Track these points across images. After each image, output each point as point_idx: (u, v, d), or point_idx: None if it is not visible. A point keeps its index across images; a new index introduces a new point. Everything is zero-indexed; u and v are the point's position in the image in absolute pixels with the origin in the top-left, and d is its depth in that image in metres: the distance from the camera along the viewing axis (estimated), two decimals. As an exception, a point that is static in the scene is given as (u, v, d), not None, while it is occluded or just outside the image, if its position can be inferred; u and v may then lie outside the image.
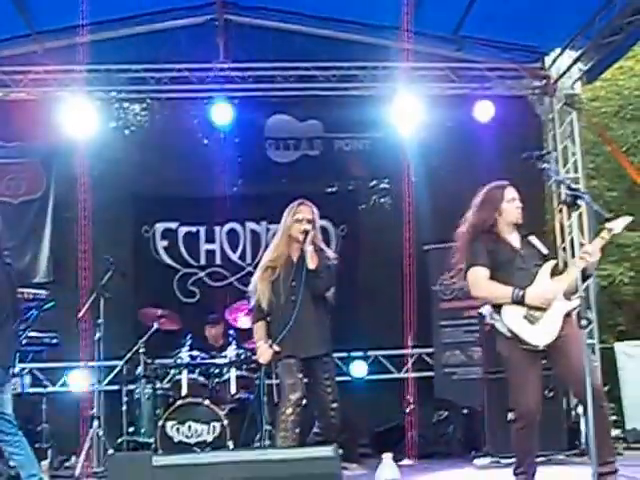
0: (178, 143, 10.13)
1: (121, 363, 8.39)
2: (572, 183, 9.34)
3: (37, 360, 8.75)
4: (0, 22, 8.87)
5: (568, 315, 5.18)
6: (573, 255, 9.52)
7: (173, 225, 10.16)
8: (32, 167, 10.03)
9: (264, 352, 6.19)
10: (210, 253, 10.21)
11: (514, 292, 5.12)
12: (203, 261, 10.21)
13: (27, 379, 8.32)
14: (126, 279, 8.78)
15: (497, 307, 5.22)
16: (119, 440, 7.91)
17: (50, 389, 8.92)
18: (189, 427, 7.54)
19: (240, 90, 9.71)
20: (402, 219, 9.43)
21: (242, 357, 8.03)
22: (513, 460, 5.40)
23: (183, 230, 10.17)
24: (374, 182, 10.69)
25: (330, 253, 6.43)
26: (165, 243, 10.14)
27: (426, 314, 9.79)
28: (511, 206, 5.38)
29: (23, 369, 8.22)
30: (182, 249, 10.16)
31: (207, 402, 7.62)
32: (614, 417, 8.77)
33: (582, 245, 9.52)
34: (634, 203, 12.53)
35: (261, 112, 10.20)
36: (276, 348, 6.11)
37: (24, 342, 7.42)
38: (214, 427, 7.54)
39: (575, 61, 9.40)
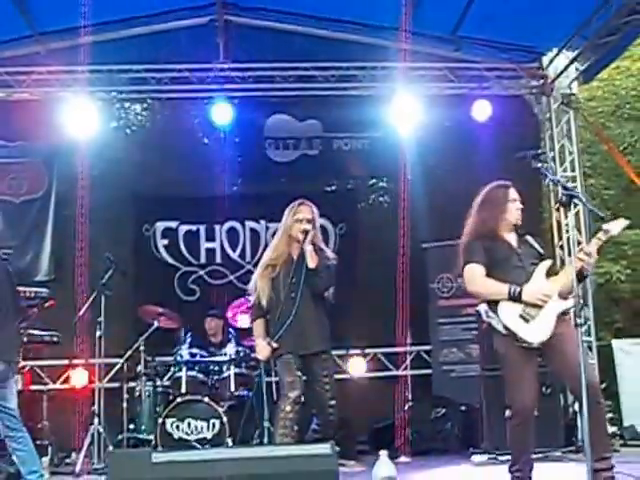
0: (178, 143, 10.19)
1: (121, 361, 8.44)
2: (567, 182, 9.54)
3: (38, 357, 8.83)
4: (3, 24, 8.92)
5: (563, 314, 5.22)
6: (570, 253, 9.55)
7: (173, 224, 10.23)
8: (34, 167, 10.10)
9: (262, 349, 6.25)
10: (210, 252, 10.28)
11: (511, 289, 5.15)
12: (203, 259, 10.28)
13: (28, 376, 8.38)
14: (127, 277, 8.83)
15: (493, 305, 5.24)
16: (119, 437, 7.96)
17: (51, 386, 8.98)
18: (189, 424, 7.59)
19: (240, 90, 9.74)
20: (400, 218, 9.48)
21: (241, 355, 8.09)
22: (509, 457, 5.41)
23: (183, 229, 10.24)
24: (373, 181, 10.75)
25: (330, 253, 6.48)
26: (165, 242, 10.21)
27: (424, 312, 9.88)
28: (513, 207, 5.42)
29: (24, 366, 8.30)
30: (182, 248, 10.23)
31: (206, 399, 7.68)
32: (611, 414, 8.84)
33: (579, 243, 9.56)
34: (631, 201, 12.56)
35: (261, 112, 10.25)
36: (274, 345, 6.17)
37: (25, 340, 7.49)
38: (213, 424, 7.60)
39: (572, 61, 9.42)
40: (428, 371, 10.01)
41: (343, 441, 8.35)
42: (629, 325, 12.28)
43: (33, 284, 8.80)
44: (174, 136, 10.24)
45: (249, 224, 10.32)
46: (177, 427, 7.60)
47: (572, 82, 9.75)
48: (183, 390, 7.88)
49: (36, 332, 7.91)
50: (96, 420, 7.85)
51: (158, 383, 8.16)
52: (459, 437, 9.04)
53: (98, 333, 7.93)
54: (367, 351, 10.04)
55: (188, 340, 8.24)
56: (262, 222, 10.26)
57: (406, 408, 9.18)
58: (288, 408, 6.03)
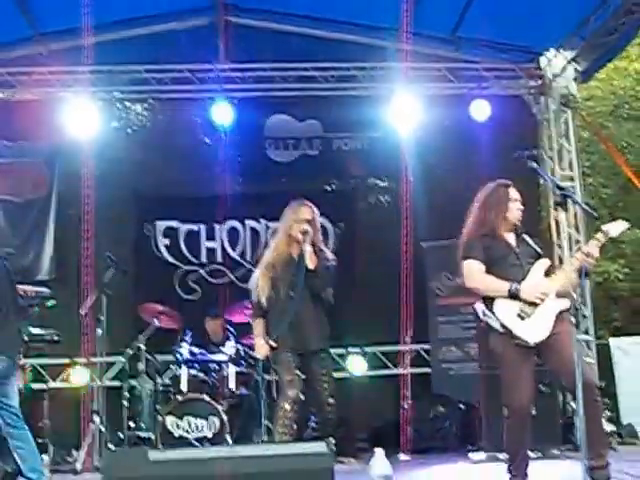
0: (179, 143, 10.23)
1: (122, 359, 8.47)
2: (561, 182, 9.59)
3: (39, 356, 8.87)
4: (5, 24, 8.99)
5: (560, 313, 5.22)
6: (570, 250, 9.60)
7: (174, 223, 10.27)
8: (35, 166, 10.14)
9: (261, 347, 6.29)
10: (211, 251, 10.32)
11: (512, 286, 5.18)
12: (204, 258, 10.31)
13: (29, 374, 8.41)
14: (127, 276, 8.84)
15: (489, 303, 5.26)
16: (120, 435, 7.96)
17: (52, 385, 8.98)
18: (189, 422, 7.60)
19: (240, 90, 9.81)
20: (400, 217, 9.51)
21: (241, 353, 8.13)
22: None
23: (184, 228, 10.28)
24: (372, 181, 10.76)
25: (329, 254, 6.50)
26: (166, 241, 10.24)
27: (423, 310, 9.86)
28: (513, 206, 5.44)
29: (25, 364, 8.34)
30: (183, 247, 10.26)
31: (206, 398, 7.69)
32: (609, 413, 8.87)
33: (577, 242, 9.63)
34: (629, 200, 12.61)
35: (261, 112, 10.27)
36: (272, 344, 6.21)
37: (26, 338, 7.52)
38: (213, 422, 7.60)
39: (570, 61, 9.50)
40: (427, 369, 10.01)
41: (343, 439, 8.42)
42: (627, 324, 12.33)
43: (34, 283, 8.84)
44: (175, 136, 10.28)
45: (249, 223, 10.35)
46: (177, 425, 7.60)
47: (570, 82, 9.81)
48: (183, 388, 7.88)
49: (36, 331, 7.94)
50: (97, 418, 7.88)
51: (158, 381, 8.16)
52: (458, 435, 9.07)
53: (99, 332, 7.94)
54: (366, 349, 10.05)
55: (188, 339, 8.26)
56: (262, 221, 10.29)
57: (405, 406, 9.20)
58: (287, 407, 6.07)
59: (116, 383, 8.74)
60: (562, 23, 8.91)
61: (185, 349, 8.15)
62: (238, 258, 10.30)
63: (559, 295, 5.23)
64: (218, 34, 9.90)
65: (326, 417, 6.35)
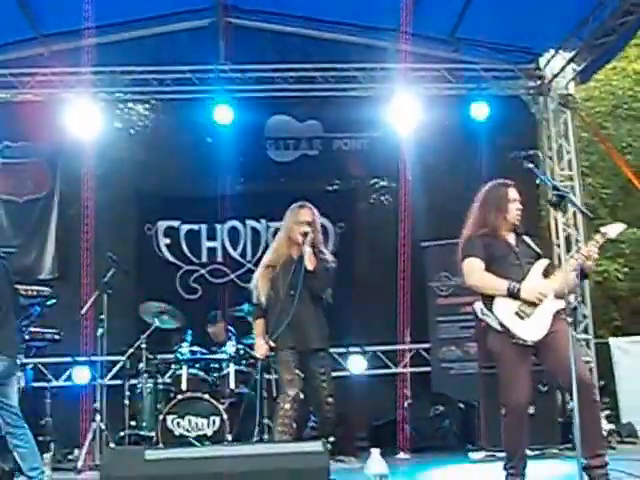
0: (180, 143, 10.25)
1: (123, 358, 8.51)
2: (558, 183, 9.60)
3: (41, 355, 8.92)
4: (7, 26, 9.06)
5: (558, 313, 5.24)
6: (568, 251, 9.63)
7: (175, 223, 10.30)
8: (37, 166, 10.18)
9: (260, 347, 6.36)
10: (211, 250, 10.35)
11: (511, 285, 5.20)
12: (205, 258, 10.34)
13: (31, 373, 8.46)
14: (129, 276, 8.85)
15: (488, 302, 5.29)
16: (121, 434, 8.01)
17: (54, 383, 9.04)
18: (189, 421, 7.64)
19: (241, 91, 9.81)
20: (400, 217, 9.55)
21: (241, 352, 8.16)
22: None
23: (185, 228, 10.31)
24: (372, 181, 10.77)
25: (329, 256, 6.55)
26: (167, 241, 10.27)
27: (423, 310, 9.91)
28: (513, 207, 5.45)
29: (27, 364, 8.39)
30: (184, 247, 10.29)
31: (207, 396, 7.73)
32: (608, 411, 8.90)
33: (577, 242, 9.65)
34: (629, 200, 12.62)
35: (261, 112, 10.28)
36: (272, 344, 6.26)
37: (27, 338, 7.57)
38: (214, 421, 7.65)
39: (569, 62, 9.52)
40: (427, 369, 10.04)
41: (343, 438, 8.49)
42: (627, 323, 12.35)
43: (37, 282, 8.89)
44: (176, 136, 10.31)
45: (250, 223, 10.38)
46: (178, 424, 7.65)
47: (569, 82, 9.85)
48: (184, 387, 7.92)
49: (37, 330, 7.99)
50: (98, 417, 7.90)
51: (159, 380, 8.22)
52: (457, 434, 9.10)
53: (100, 331, 7.99)
54: (367, 349, 10.09)
55: (189, 338, 8.31)
56: (263, 221, 10.33)
57: (405, 405, 9.24)
58: (287, 406, 6.11)
59: (117, 382, 8.76)
60: (561, 24, 8.91)
61: (186, 348, 8.20)
62: (239, 258, 10.32)
63: (557, 296, 5.23)
64: (219, 35, 9.93)
65: (325, 416, 6.39)
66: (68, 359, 9.40)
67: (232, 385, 8.02)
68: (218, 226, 10.37)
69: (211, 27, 9.95)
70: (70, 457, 8.39)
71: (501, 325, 5.23)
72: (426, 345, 10.11)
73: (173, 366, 8.28)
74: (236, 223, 10.39)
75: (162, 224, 10.30)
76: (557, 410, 8.25)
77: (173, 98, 10.07)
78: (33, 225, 10.15)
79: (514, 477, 5.27)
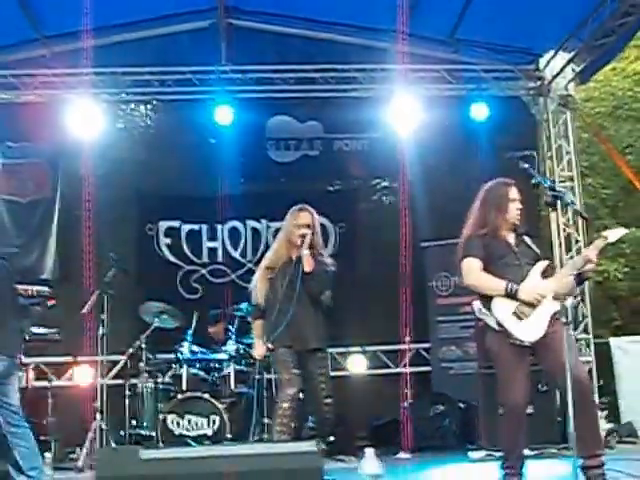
0: (181, 143, 10.26)
1: (124, 358, 8.54)
2: (561, 183, 9.64)
3: (43, 355, 8.96)
4: (10, 27, 9.08)
5: (556, 314, 5.24)
6: (568, 251, 9.65)
7: (176, 223, 10.33)
8: (39, 167, 10.21)
9: (258, 348, 6.40)
10: (212, 250, 10.38)
11: (508, 285, 5.20)
12: (205, 258, 10.37)
13: (32, 373, 8.48)
14: (130, 276, 8.94)
15: (486, 301, 5.30)
16: (121, 433, 8.05)
17: (55, 383, 9.04)
18: (189, 421, 7.69)
19: (242, 92, 9.84)
20: (400, 217, 9.57)
21: (241, 352, 8.18)
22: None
23: (186, 228, 10.34)
24: (373, 181, 10.79)
25: (328, 260, 6.57)
26: (168, 241, 10.30)
27: (423, 310, 9.93)
28: (513, 206, 5.45)
29: (29, 363, 8.42)
30: (185, 247, 10.32)
31: (207, 396, 7.77)
32: (608, 412, 8.93)
33: (577, 242, 9.68)
34: (630, 200, 12.63)
35: (262, 113, 10.31)
36: (270, 346, 6.29)
37: (27, 338, 7.59)
38: (214, 421, 7.69)
39: (568, 62, 9.53)
40: (427, 368, 10.07)
41: (343, 437, 8.52)
42: (627, 323, 12.37)
43: (39, 282, 8.89)
44: (177, 137, 10.32)
45: (250, 223, 10.41)
46: (178, 423, 7.69)
47: (569, 83, 9.85)
48: (184, 387, 7.96)
49: (37, 330, 8.02)
50: (98, 416, 7.93)
51: (159, 380, 8.22)
52: (457, 434, 9.08)
53: (101, 331, 8.02)
54: (367, 348, 10.13)
55: (189, 338, 8.34)
56: (263, 221, 10.35)
57: (405, 405, 9.26)
58: (286, 405, 6.12)
59: (118, 382, 8.76)
60: (560, 25, 8.93)
61: (186, 348, 8.23)
62: (239, 258, 10.35)
63: (556, 297, 5.25)
64: (220, 36, 9.94)
65: (323, 417, 6.39)
66: (69, 359, 9.43)
67: (232, 385, 8.05)
68: (219, 226, 10.39)
69: (212, 28, 9.95)
70: (72, 456, 8.37)
71: (499, 325, 5.23)
72: (426, 345, 10.14)
73: (173, 366, 8.28)
74: (237, 223, 10.41)
75: (163, 224, 10.33)
76: (556, 410, 8.23)
77: (174, 99, 10.11)
78: (35, 225, 10.17)
79: (512, 477, 5.27)
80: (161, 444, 7.58)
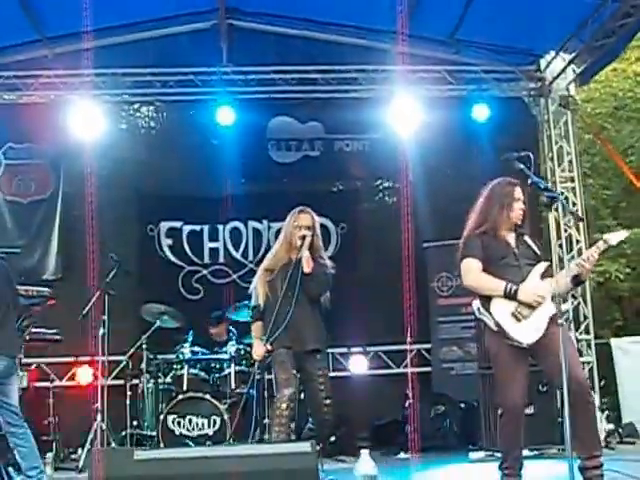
0: (182, 144, 10.30)
1: (125, 358, 8.60)
2: (562, 184, 9.63)
3: (44, 355, 8.98)
4: (11, 28, 9.11)
5: (554, 315, 5.21)
6: (569, 251, 9.65)
7: (177, 224, 10.35)
8: (41, 168, 10.25)
9: (257, 349, 6.41)
10: (214, 251, 10.40)
11: (507, 286, 5.19)
12: (207, 259, 10.39)
13: (34, 373, 8.51)
14: (131, 276, 8.94)
15: (485, 302, 5.28)
16: (122, 433, 8.10)
17: (57, 383, 9.07)
18: (190, 421, 7.73)
19: (243, 93, 9.85)
20: (401, 218, 9.58)
21: (242, 353, 8.21)
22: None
23: (187, 229, 10.36)
24: (374, 182, 10.83)
25: (328, 262, 6.57)
26: (170, 241, 10.33)
27: (425, 310, 9.94)
28: (517, 205, 5.43)
29: (30, 364, 8.46)
30: (186, 247, 10.35)
31: (208, 397, 7.81)
32: (608, 412, 8.93)
33: (578, 242, 9.68)
34: (631, 201, 12.62)
35: (263, 114, 10.33)
36: (269, 347, 6.30)
37: (28, 338, 7.62)
38: (214, 421, 7.74)
39: (569, 63, 9.52)
40: (428, 369, 10.09)
41: (344, 438, 8.54)
42: (629, 323, 12.37)
43: (41, 283, 8.96)
44: (178, 138, 10.37)
45: (252, 224, 10.43)
46: (179, 424, 7.73)
47: (570, 84, 9.85)
48: (185, 388, 8.00)
49: (38, 330, 8.05)
50: (99, 417, 7.90)
51: (160, 381, 8.26)
52: (458, 434, 9.11)
53: (102, 331, 8.02)
54: (368, 349, 10.16)
55: (190, 338, 8.36)
56: (264, 222, 10.37)
57: (406, 405, 9.27)
58: (283, 406, 6.10)
59: (119, 382, 8.78)
60: (561, 26, 8.92)
61: (187, 349, 8.26)
62: (240, 258, 10.37)
63: (555, 299, 5.20)
64: (221, 37, 9.93)
65: (323, 418, 6.37)
66: (71, 359, 9.48)
67: (233, 385, 8.09)
68: (220, 227, 10.41)
69: (213, 29, 9.94)
70: (73, 456, 8.43)
71: (497, 325, 5.22)
72: (427, 345, 10.16)
73: (174, 366, 8.32)
74: (238, 224, 10.44)
75: (164, 225, 10.35)
76: (556, 410, 8.23)
77: (176, 100, 10.12)
78: (37, 226, 10.21)
79: (510, 477, 5.27)
80: (162, 444, 7.62)
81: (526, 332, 5.19)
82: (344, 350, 9.94)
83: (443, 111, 10.01)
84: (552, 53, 9.68)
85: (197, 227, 10.39)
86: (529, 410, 7.13)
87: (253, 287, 6.60)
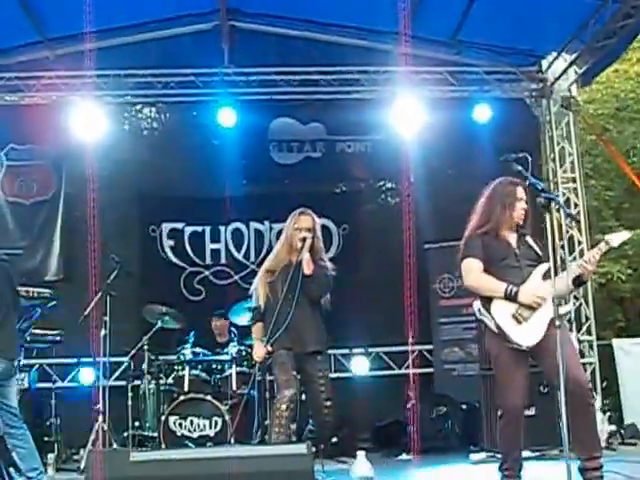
0: (184, 145, 10.33)
1: (127, 359, 8.61)
2: (564, 185, 9.62)
3: (46, 356, 8.99)
4: (13, 30, 9.13)
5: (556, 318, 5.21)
6: (571, 252, 9.64)
7: (179, 225, 10.38)
8: (43, 169, 10.29)
9: (258, 350, 6.42)
10: (215, 252, 10.42)
11: (508, 288, 5.18)
12: (209, 260, 10.41)
13: (36, 374, 8.52)
14: (133, 277, 8.97)
15: (486, 303, 5.28)
16: (124, 434, 8.10)
17: (59, 384, 9.09)
18: (191, 422, 7.74)
19: (244, 94, 9.84)
20: (402, 219, 9.57)
21: (243, 354, 8.21)
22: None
23: (189, 230, 10.39)
24: (376, 183, 10.86)
25: (329, 264, 6.57)
26: (171, 242, 10.35)
27: (426, 311, 9.94)
28: (519, 205, 5.42)
29: (32, 365, 8.47)
30: (188, 248, 10.37)
31: (209, 398, 7.82)
32: (610, 413, 8.92)
33: (580, 243, 9.67)
34: (633, 202, 12.61)
35: (265, 115, 10.35)
36: (269, 348, 6.31)
37: (28, 339, 7.64)
38: (216, 422, 7.75)
39: (571, 64, 9.52)
40: (430, 370, 10.11)
41: (346, 439, 8.54)
42: (631, 324, 12.35)
43: (43, 284, 8.96)
44: (180, 139, 10.40)
45: (253, 225, 10.45)
46: (180, 425, 7.74)
47: (571, 85, 9.85)
48: (186, 389, 8.02)
49: (39, 331, 8.06)
50: (101, 418, 7.91)
51: (162, 382, 8.26)
52: (460, 435, 9.11)
53: (103, 332, 8.03)
54: (370, 350, 10.17)
55: (191, 339, 8.37)
56: (266, 223, 10.39)
57: (408, 406, 9.26)
58: (283, 407, 6.11)
59: (120, 383, 8.81)
60: (562, 27, 8.92)
61: (188, 350, 8.27)
62: (242, 259, 10.39)
63: (555, 300, 5.15)
64: (222, 38, 9.92)
65: (323, 419, 6.36)
66: (73, 360, 9.51)
67: (234, 386, 8.09)
68: (222, 228, 10.44)
69: (214, 31, 9.94)
70: (75, 457, 8.47)
71: (497, 327, 5.22)
72: (429, 346, 10.17)
73: (176, 367, 8.32)
74: (240, 225, 10.46)
75: (166, 226, 10.38)
76: (557, 412, 8.13)
77: (177, 101, 10.14)
78: (39, 227, 10.25)
79: (509, 478, 5.28)
80: (163, 445, 7.62)
81: (526, 334, 5.19)
82: (346, 351, 9.95)
83: (445, 112, 9.99)
84: (554, 54, 9.68)
85: (199, 228, 10.41)
86: (530, 411, 7.17)
87: (254, 288, 6.61)
